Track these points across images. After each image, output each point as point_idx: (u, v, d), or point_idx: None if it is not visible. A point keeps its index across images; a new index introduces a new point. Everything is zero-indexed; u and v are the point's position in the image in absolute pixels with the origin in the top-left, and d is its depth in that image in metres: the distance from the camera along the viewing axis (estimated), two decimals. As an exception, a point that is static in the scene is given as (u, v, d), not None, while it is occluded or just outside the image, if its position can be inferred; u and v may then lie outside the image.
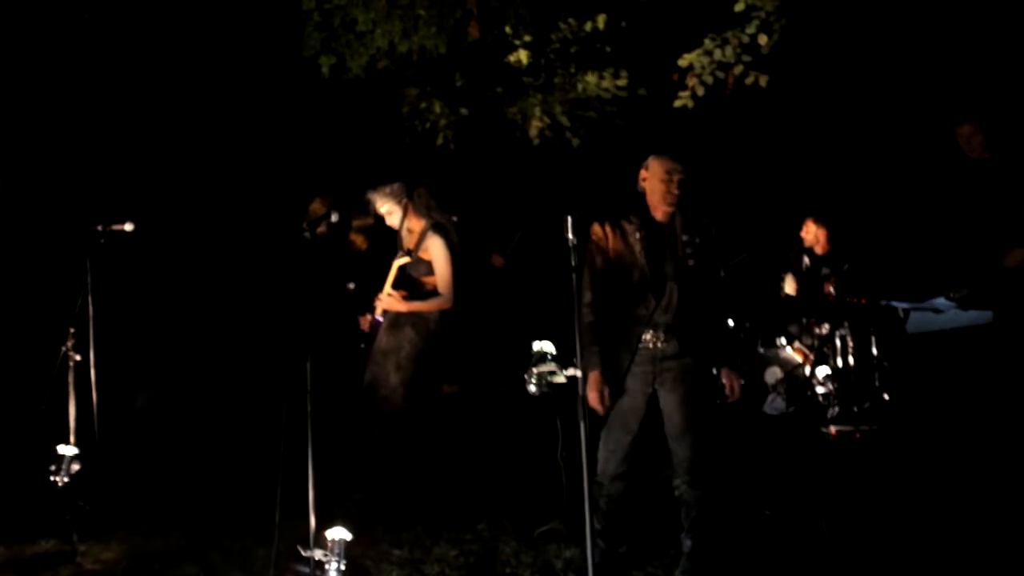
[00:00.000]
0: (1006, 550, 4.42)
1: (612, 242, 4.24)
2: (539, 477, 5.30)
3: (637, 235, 4.22)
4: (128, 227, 5.33)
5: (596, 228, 4.29)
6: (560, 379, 4.49)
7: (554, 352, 4.78)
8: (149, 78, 8.17)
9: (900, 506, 5.10)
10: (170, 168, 8.25)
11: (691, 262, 4.18)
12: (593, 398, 4.12)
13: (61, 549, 4.73)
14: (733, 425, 7.04)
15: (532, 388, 4.59)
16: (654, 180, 4.24)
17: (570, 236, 3.95)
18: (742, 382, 4.24)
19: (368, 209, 5.66)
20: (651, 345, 4.17)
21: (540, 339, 5.01)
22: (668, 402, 4.20)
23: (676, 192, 4.19)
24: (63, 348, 5.12)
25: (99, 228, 5.30)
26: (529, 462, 5.77)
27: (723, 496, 4.40)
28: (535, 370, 4.64)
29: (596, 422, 4.14)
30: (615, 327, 4.20)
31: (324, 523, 4.15)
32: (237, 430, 6.74)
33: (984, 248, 5.62)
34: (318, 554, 4.09)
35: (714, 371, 4.30)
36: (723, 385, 4.24)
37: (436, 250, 5.21)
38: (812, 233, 7.47)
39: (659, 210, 4.25)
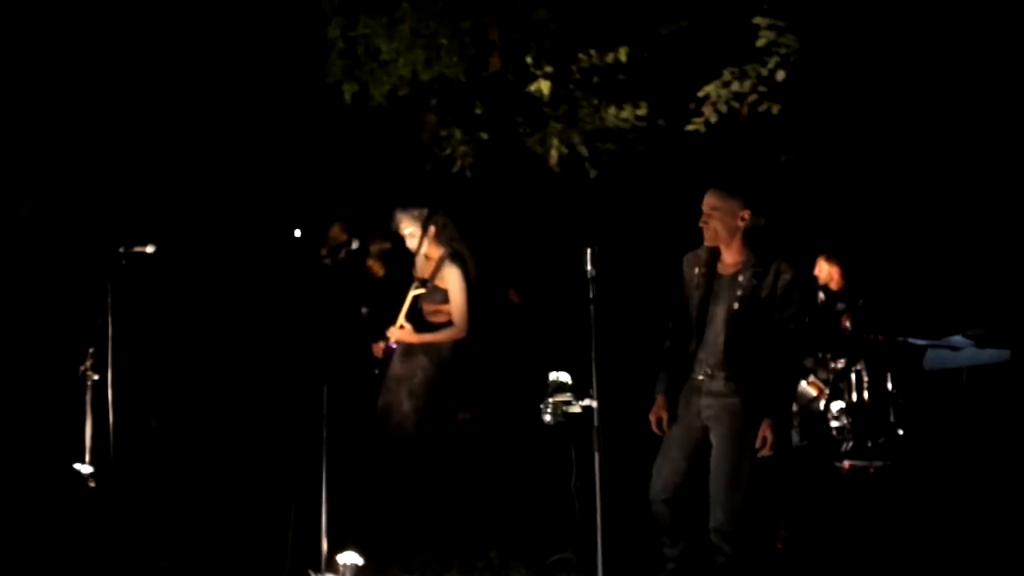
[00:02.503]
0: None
1: (686, 273, 4.25)
2: (552, 506, 5.30)
3: (696, 270, 4.19)
4: (149, 249, 5.39)
5: (686, 257, 4.28)
6: (576, 409, 4.49)
7: (570, 382, 4.79)
8: (174, 103, 8.27)
9: (912, 543, 5.07)
10: (192, 191, 8.33)
11: (736, 306, 4.06)
12: (651, 419, 4.23)
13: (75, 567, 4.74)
14: (757, 475, 7.03)
15: (547, 418, 4.60)
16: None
17: (589, 268, 3.98)
18: (774, 438, 4.04)
19: (387, 233, 5.70)
20: (699, 378, 4.14)
21: (556, 369, 5.03)
22: (703, 439, 4.14)
23: (703, 225, 4.12)
24: (81, 368, 5.16)
25: (121, 250, 5.36)
26: (542, 491, 5.76)
27: (759, 558, 4.26)
28: (551, 400, 4.64)
29: (610, 453, 4.14)
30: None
31: (336, 547, 4.17)
32: (251, 452, 6.76)
33: (1003, 287, 5.61)
34: (329, 578, 4.10)
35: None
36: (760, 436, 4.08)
37: (452, 280, 5.23)
38: (825, 271, 7.47)
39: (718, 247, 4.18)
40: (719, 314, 4.10)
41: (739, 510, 4.05)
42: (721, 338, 4.08)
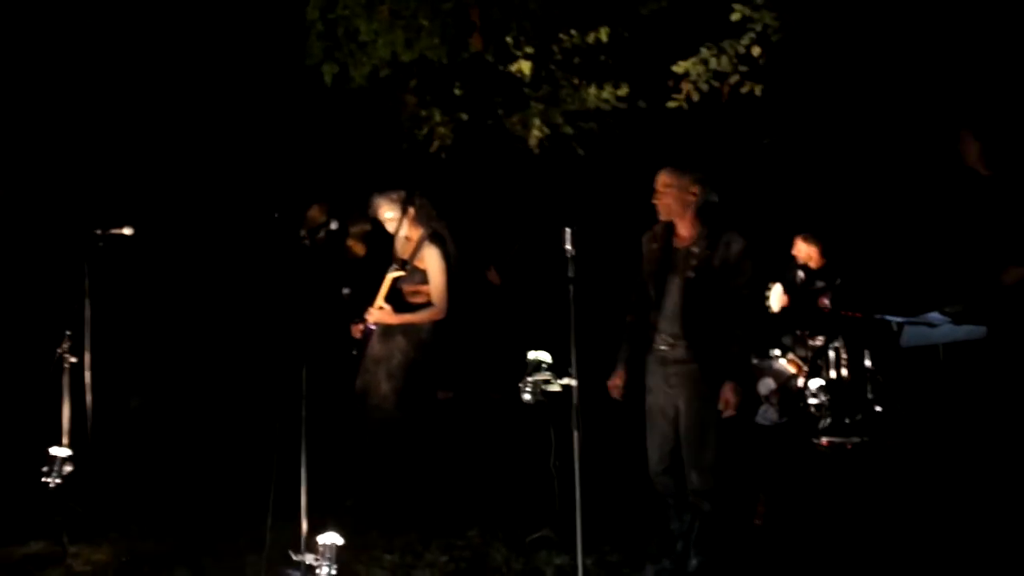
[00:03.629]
0: (996, 562, 4.43)
1: (645, 249, 4.48)
2: (531, 485, 5.32)
3: (653, 245, 4.43)
4: (127, 231, 5.36)
5: (645, 234, 4.51)
6: (555, 388, 4.53)
7: (549, 361, 4.81)
8: (151, 83, 8.21)
9: (890, 518, 5.12)
10: (170, 173, 8.28)
11: (691, 275, 4.27)
12: (609, 387, 4.44)
13: (51, 551, 4.74)
14: (726, 434, 7.07)
15: (527, 396, 4.65)
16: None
17: (568, 248, 4.04)
18: (736, 399, 4.24)
19: (367, 214, 5.69)
20: (661, 348, 4.34)
21: (536, 349, 5.04)
22: (678, 405, 4.33)
23: (657, 201, 4.35)
24: (58, 350, 5.13)
25: (98, 232, 5.33)
26: (521, 470, 5.78)
27: (731, 513, 4.42)
28: (530, 379, 4.68)
29: (589, 432, 4.15)
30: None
31: (316, 528, 4.18)
32: (230, 434, 6.76)
33: (981, 264, 5.63)
34: (309, 559, 4.11)
35: None
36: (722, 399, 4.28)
37: (432, 260, 5.24)
38: (804, 251, 7.52)
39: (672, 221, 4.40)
40: (675, 285, 4.32)
41: (712, 469, 4.28)
42: (678, 308, 4.30)
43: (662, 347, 4.34)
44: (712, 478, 4.28)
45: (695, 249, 4.30)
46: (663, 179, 4.35)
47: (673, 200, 4.33)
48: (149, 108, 8.22)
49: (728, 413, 4.20)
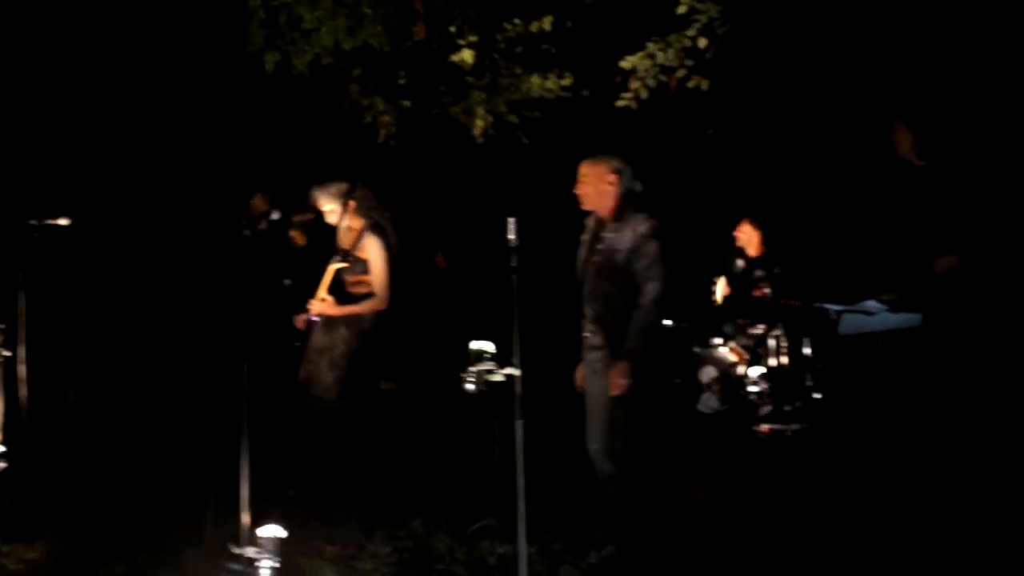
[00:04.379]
0: (931, 546, 4.52)
1: (581, 239, 4.60)
2: (474, 474, 5.33)
3: (584, 235, 4.56)
4: (63, 222, 5.27)
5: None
6: (498, 378, 4.54)
7: (492, 351, 4.81)
8: (88, 71, 8.06)
9: (829, 503, 5.20)
10: (108, 162, 8.14)
11: (597, 259, 4.42)
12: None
13: (-16, 548, 4.65)
14: (667, 422, 7.13)
15: (470, 386, 4.66)
16: None
17: (512, 237, 4.04)
18: (624, 381, 4.32)
19: (309, 205, 5.66)
20: (585, 335, 4.48)
21: (479, 339, 5.04)
22: (592, 391, 4.42)
23: (576, 192, 4.47)
24: (-8, 344, 5.04)
25: (34, 222, 5.23)
26: (464, 459, 5.79)
27: (652, 501, 4.46)
28: (473, 369, 4.69)
29: (532, 422, 4.17)
30: None
31: (257, 520, 4.14)
32: (169, 427, 6.68)
33: (915, 253, 5.73)
34: (250, 552, 4.06)
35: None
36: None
37: (373, 250, 5.24)
38: (747, 234, 7.61)
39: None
40: (591, 273, 4.45)
41: (620, 454, 4.36)
42: (590, 295, 4.43)
43: (586, 334, 4.48)
44: (617, 464, 4.36)
45: (607, 235, 4.43)
46: (581, 169, 4.48)
47: (591, 189, 4.46)
48: (86, 96, 8.07)
49: (613, 392, 4.29)
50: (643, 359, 4.32)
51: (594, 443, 4.48)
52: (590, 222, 4.57)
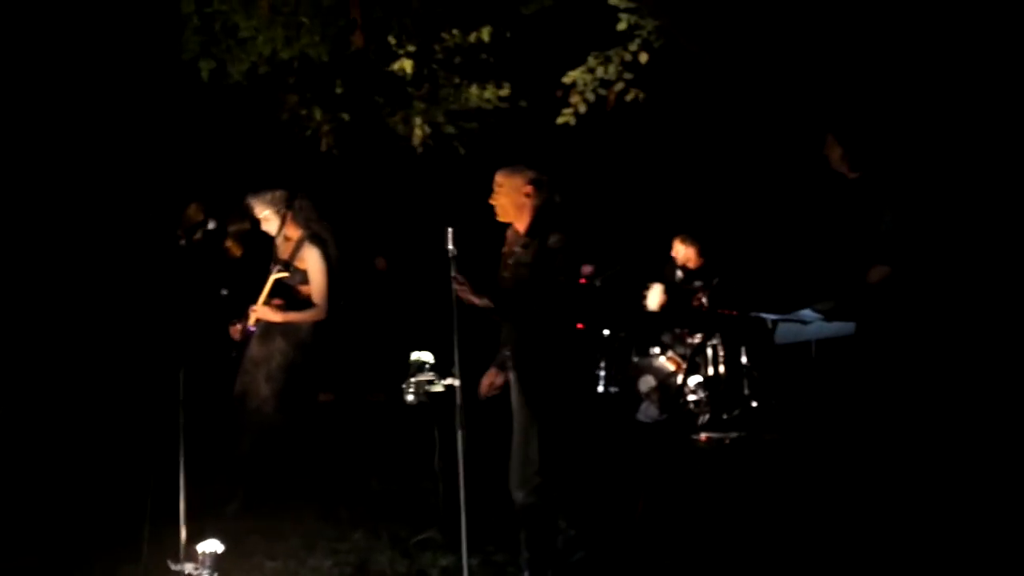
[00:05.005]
0: (867, 554, 4.60)
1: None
2: (415, 486, 5.30)
3: (503, 248, 4.40)
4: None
5: None
6: (438, 388, 4.51)
7: (432, 362, 4.78)
8: (21, 78, 7.89)
9: (767, 511, 5.27)
10: (39, 169, 7.97)
11: (506, 274, 4.29)
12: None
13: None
14: (606, 432, 7.18)
15: (410, 397, 4.61)
16: None
17: (450, 247, 4.03)
18: (488, 382, 4.34)
19: (245, 214, 5.59)
20: (506, 353, 4.36)
21: (418, 349, 5.02)
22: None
23: (493, 201, 4.30)
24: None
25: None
26: (405, 471, 5.76)
27: (564, 511, 4.38)
28: (413, 379, 4.65)
29: (473, 432, 4.16)
30: None
31: (195, 536, 4.07)
32: (104, 441, 6.54)
33: (848, 263, 5.84)
34: (188, 567, 3.99)
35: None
36: None
37: (312, 261, 5.21)
38: (681, 252, 7.71)
39: None
40: (504, 283, 4.31)
41: (519, 470, 4.24)
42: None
43: (504, 351, 4.37)
44: (519, 479, 4.25)
45: (516, 249, 4.28)
46: (496, 179, 4.28)
47: (506, 200, 4.25)
48: (14, 103, 7.89)
49: (480, 393, 4.30)
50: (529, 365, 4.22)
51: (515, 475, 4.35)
52: (508, 234, 4.39)
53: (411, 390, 4.61)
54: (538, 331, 4.20)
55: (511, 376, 4.30)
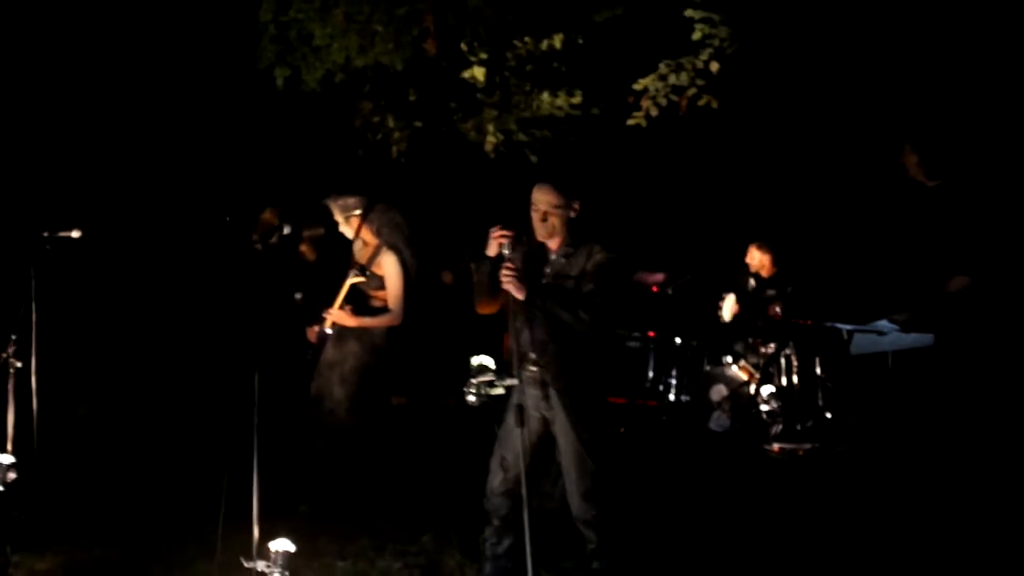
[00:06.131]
0: (945, 566, 4.50)
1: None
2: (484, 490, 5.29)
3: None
4: (75, 234, 5.26)
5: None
6: (499, 390, 4.46)
7: (492, 365, 4.74)
8: (102, 84, 8.10)
9: (841, 523, 5.18)
10: (121, 175, 8.17)
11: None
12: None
13: (-5, 560, 4.63)
14: (678, 441, 7.12)
15: (471, 398, 4.56)
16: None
17: (506, 253, 4.03)
18: None
19: (320, 219, 5.67)
20: (532, 369, 4.16)
21: (480, 353, 5.01)
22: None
23: (543, 223, 4.09)
24: (3, 355, 5.03)
25: (45, 234, 5.22)
26: (475, 475, 5.75)
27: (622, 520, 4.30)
28: (474, 381, 4.62)
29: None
30: None
31: (268, 534, 4.11)
32: (181, 440, 6.66)
33: (926, 273, 5.73)
34: (261, 565, 4.04)
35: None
36: None
37: (389, 267, 5.24)
38: (756, 259, 7.60)
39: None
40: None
41: (593, 492, 4.08)
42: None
43: (532, 368, 4.19)
44: (581, 490, 4.11)
45: (554, 261, 4.17)
46: (550, 199, 4.08)
47: (558, 220, 4.08)
48: (99, 109, 8.10)
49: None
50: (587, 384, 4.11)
51: (496, 478, 4.25)
52: (527, 249, 4.20)
53: (472, 391, 4.58)
54: (582, 340, 4.06)
55: (549, 391, 4.10)
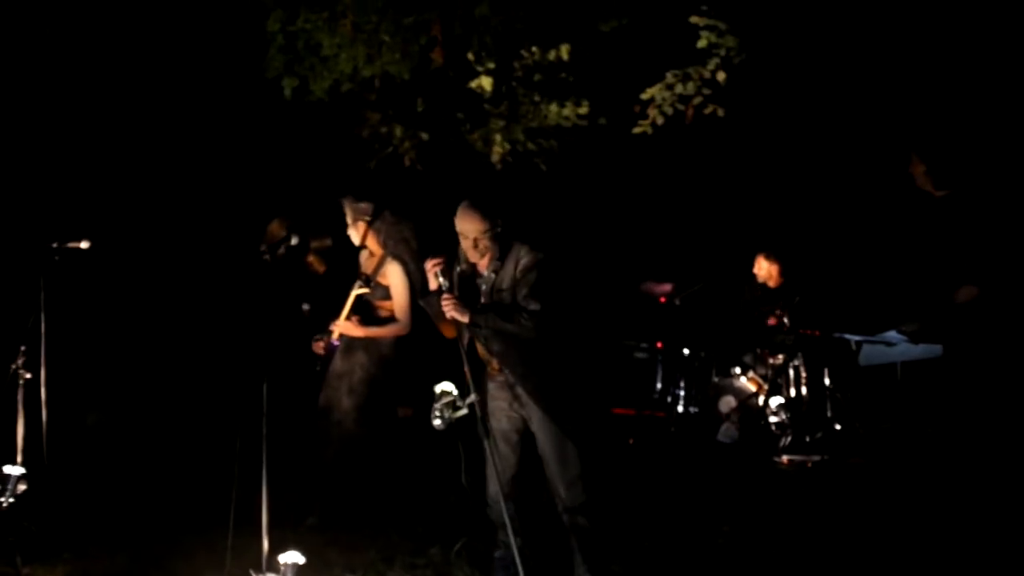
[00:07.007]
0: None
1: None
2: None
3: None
4: (84, 245, 5.27)
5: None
6: (463, 411, 4.44)
7: (453, 389, 4.72)
8: (108, 95, 8.12)
9: (850, 535, 5.16)
10: (128, 186, 8.18)
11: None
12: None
13: (4, 572, 4.62)
14: (687, 452, 7.10)
15: (437, 423, 4.57)
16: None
17: (442, 280, 4.23)
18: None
19: (327, 231, 5.66)
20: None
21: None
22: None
23: (474, 249, 4.23)
24: (12, 366, 5.03)
25: (54, 245, 5.24)
26: (483, 485, 5.73)
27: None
28: (437, 406, 4.62)
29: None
30: None
31: (277, 547, 4.12)
32: (189, 451, 6.67)
33: (935, 283, 5.72)
34: (270, 578, 4.05)
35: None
36: None
37: (394, 277, 5.25)
38: (764, 269, 7.58)
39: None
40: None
41: (575, 481, 4.24)
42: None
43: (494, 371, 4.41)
44: (565, 479, 4.25)
45: (485, 276, 4.33)
46: (476, 227, 4.23)
47: (484, 245, 4.26)
48: (108, 119, 8.12)
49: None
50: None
51: (493, 486, 4.34)
52: (462, 272, 4.40)
53: (436, 416, 4.60)
54: (540, 341, 4.20)
55: (517, 392, 4.26)
